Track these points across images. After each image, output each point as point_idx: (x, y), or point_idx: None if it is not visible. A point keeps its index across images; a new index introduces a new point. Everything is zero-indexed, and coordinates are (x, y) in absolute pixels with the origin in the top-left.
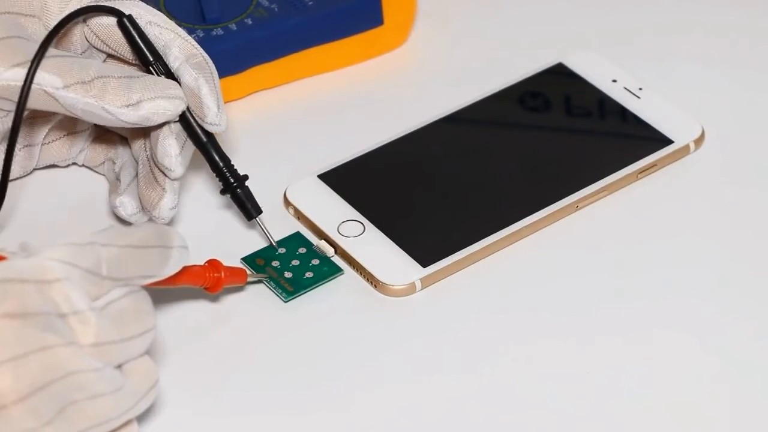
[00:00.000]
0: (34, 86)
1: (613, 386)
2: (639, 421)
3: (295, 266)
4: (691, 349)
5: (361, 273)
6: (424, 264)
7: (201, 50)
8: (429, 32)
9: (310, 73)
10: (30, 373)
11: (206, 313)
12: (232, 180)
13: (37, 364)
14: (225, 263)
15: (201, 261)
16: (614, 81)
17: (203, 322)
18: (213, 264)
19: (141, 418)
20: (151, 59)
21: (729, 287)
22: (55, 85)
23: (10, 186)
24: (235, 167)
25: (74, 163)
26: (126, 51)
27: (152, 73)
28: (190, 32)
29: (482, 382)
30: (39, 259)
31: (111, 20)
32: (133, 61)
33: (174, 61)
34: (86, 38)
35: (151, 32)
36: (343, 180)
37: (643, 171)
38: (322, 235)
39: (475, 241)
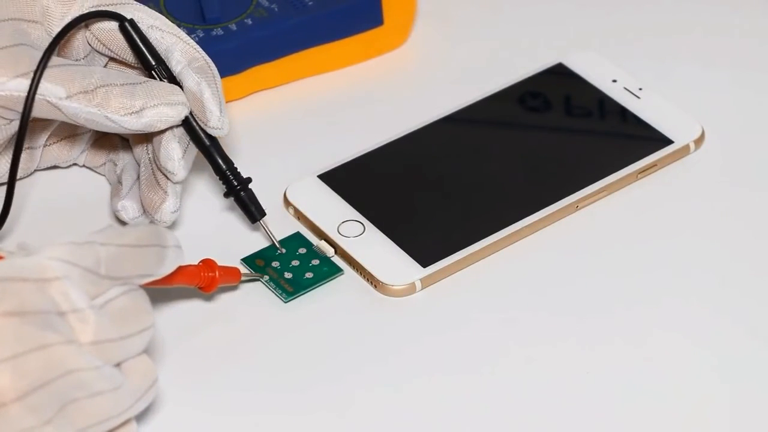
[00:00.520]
0: (37, 96)
1: (613, 386)
2: (639, 421)
3: (295, 266)
4: (690, 349)
5: (361, 273)
6: (424, 264)
7: (203, 53)
8: (429, 32)
9: (310, 73)
10: (29, 371)
11: (206, 313)
12: (235, 183)
13: (36, 362)
14: (225, 264)
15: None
16: (614, 81)
17: (203, 322)
18: (207, 263)
19: (140, 417)
20: (154, 63)
21: (729, 287)
22: (58, 96)
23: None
24: (238, 170)
25: (75, 164)
26: (128, 55)
27: (154, 77)
28: (190, 32)
29: (482, 382)
30: (38, 257)
31: (113, 25)
32: (136, 65)
33: (176, 65)
34: (88, 43)
35: (153, 36)
36: (343, 180)
37: (643, 171)
38: (322, 235)
39: (475, 241)
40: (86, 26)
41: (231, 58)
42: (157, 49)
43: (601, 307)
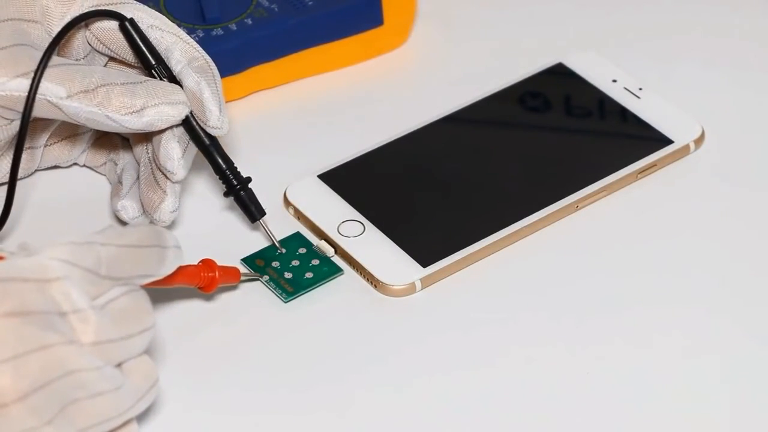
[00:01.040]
0: (38, 96)
1: (614, 386)
2: (639, 421)
3: (295, 266)
4: (690, 348)
5: (361, 273)
6: (424, 264)
7: (203, 53)
8: (429, 32)
9: (310, 73)
10: (30, 371)
11: (206, 313)
12: (235, 182)
13: (37, 362)
14: (225, 264)
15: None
16: (614, 81)
17: (203, 322)
18: (207, 263)
19: (140, 416)
20: (153, 63)
21: (729, 287)
22: (59, 95)
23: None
24: (238, 170)
25: (76, 164)
26: (128, 54)
27: (154, 77)
28: (190, 32)
29: (482, 382)
30: (39, 258)
31: (113, 24)
32: (136, 65)
33: (176, 65)
34: (88, 42)
35: (153, 36)
36: (343, 180)
37: (643, 171)
38: (322, 235)
39: (475, 241)
40: (86, 26)
41: (231, 58)
42: (157, 48)
43: (601, 307)
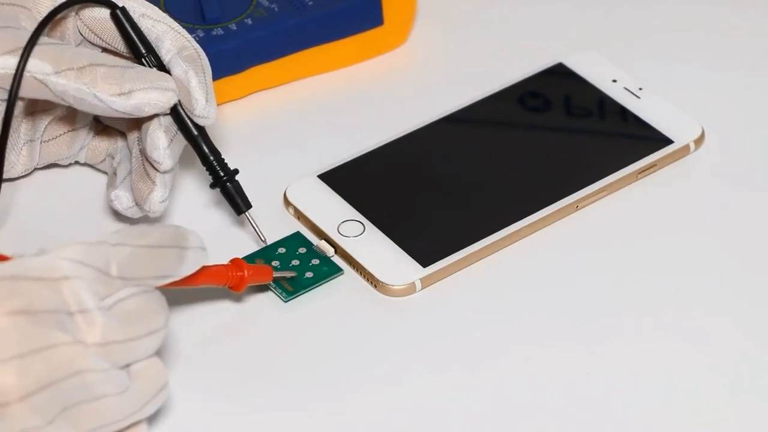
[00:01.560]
0: (24, 74)
1: (614, 386)
2: (639, 421)
3: (294, 266)
4: (690, 348)
5: (361, 273)
6: (424, 264)
7: (193, 43)
8: (429, 32)
9: (310, 73)
10: (35, 371)
11: (206, 313)
12: (222, 174)
13: (42, 362)
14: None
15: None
16: (614, 81)
17: (203, 322)
18: (236, 263)
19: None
20: (144, 51)
21: (729, 287)
22: (45, 71)
23: (11, 185)
24: (225, 161)
25: (76, 162)
26: (119, 44)
27: (145, 66)
28: (190, 32)
29: (482, 382)
30: (50, 257)
31: (104, 13)
32: (127, 55)
33: (166, 54)
34: (79, 31)
35: (144, 24)
36: (343, 180)
37: (643, 171)
38: (322, 235)
39: (475, 241)
40: (77, 14)
41: (231, 57)
42: (147, 37)
43: (601, 307)
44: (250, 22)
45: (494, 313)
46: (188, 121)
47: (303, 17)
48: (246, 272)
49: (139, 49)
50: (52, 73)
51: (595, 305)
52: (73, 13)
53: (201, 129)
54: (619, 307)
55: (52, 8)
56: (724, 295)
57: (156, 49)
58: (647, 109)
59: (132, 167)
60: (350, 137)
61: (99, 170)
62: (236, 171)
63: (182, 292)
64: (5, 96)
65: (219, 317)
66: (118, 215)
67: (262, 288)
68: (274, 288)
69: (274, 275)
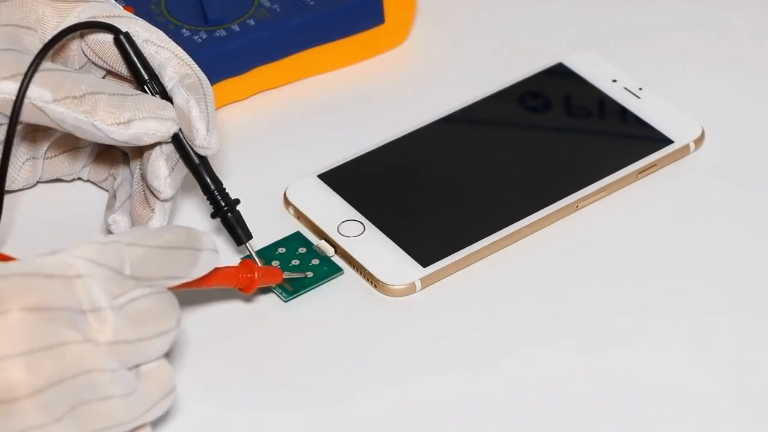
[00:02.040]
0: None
1: (614, 386)
2: (639, 421)
3: (295, 266)
4: (690, 348)
5: (361, 273)
6: (424, 264)
7: (197, 70)
8: (429, 31)
9: (312, 72)
10: (45, 368)
11: (206, 313)
12: (223, 204)
13: (53, 359)
14: (225, 264)
15: None
16: (614, 81)
17: (203, 322)
18: (246, 265)
19: None
20: (147, 78)
21: (729, 287)
22: (44, 99)
23: (14, 196)
24: (227, 191)
25: (79, 178)
26: (123, 68)
27: (147, 92)
28: (193, 34)
29: (482, 382)
30: (64, 255)
31: (109, 37)
32: (131, 79)
33: (168, 81)
34: (84, 53)
35: (148, 50)
36: (343, 180)
37: (643, 171)
38: (322, 235)
39: (475, 241)
40: (82, 37)
41: (234, 59)
42: (151, 63)
43: (601, 307)
44: (252, 22)
45: (494, 313)
46: (190, 150)
47: (305, 17)
48: (256, 274)
49: (142, 76)
50: (51, 100)
51: (595, 305)
52: (78, 35)
53: (203, 158)
54: (619, 306)
55: (56, 33)
56: (723, 295)
57: (159, 75)
58: (647, 109)
59: (132, 191)
60: (350, 137)
61: (101, 187)
62: (237, 201)
63: (182, 293)
64: (4, 120)
65: (219, 317)
66: (110, 232)
67: (263, 288)
68: (275, 288)
69: (284, 276)
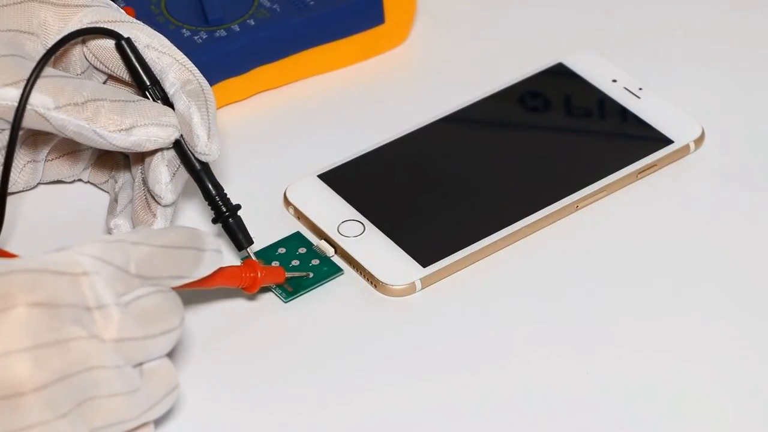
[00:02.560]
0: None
1: (614, 387)
2: (640, 421)
3: (295, 266)
4: (689, 349)
5: (361, 273)
6: (424, 264)
7: (199, 76)
8: (429, 31)
9: (312, 72)
10: (50, 364)
11: (206, 313)
12: (224, 209)
13: (58, 355)
14: (227, 264)
15: None
16: (614, 81)
17: (202, 322)
18: (249, 264)
19: None
20: (148, 84)
21: (728, 287)
22: (46, 106)
23: (15, 197)
24: (228, 196)
25: (80, 180)
26: (125, 73)
27: (149, 98)
28: (193, 34)
29: (482, 382)
30: (71, 252)
31: (110, 42)
32: (133, 84)
33: (170, 87)
34: (86, 58)
35: (149, 56)
36: (343, 180)
37: (643, 171)
38: (322, 235)
39: (475, 241)
40: (84, 42)
41: (234, 59)
42: (152, 69)
43: (601, 307)
44: (252, 22)
45: (494, 313)
46: (191, 156)
47: (305, 17)
48: (260, 273)
49: (144, 81)
50: (53, 107)
51: (595, 305)
52: (80, 41)
53: (204, 164)
54: (620, 306)
55: (58, 39)
56: (723, 295)
57: (161, 81)
58: (647, 109)
59: (134, 195)
60: (350, 137)
61: (102, 189)
62: (238, 206)
63: (183, 293)
64: (5, 126)
65: (219, 317)
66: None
67: (263, 288)
68: (275, 288)
69: (286, 275)
